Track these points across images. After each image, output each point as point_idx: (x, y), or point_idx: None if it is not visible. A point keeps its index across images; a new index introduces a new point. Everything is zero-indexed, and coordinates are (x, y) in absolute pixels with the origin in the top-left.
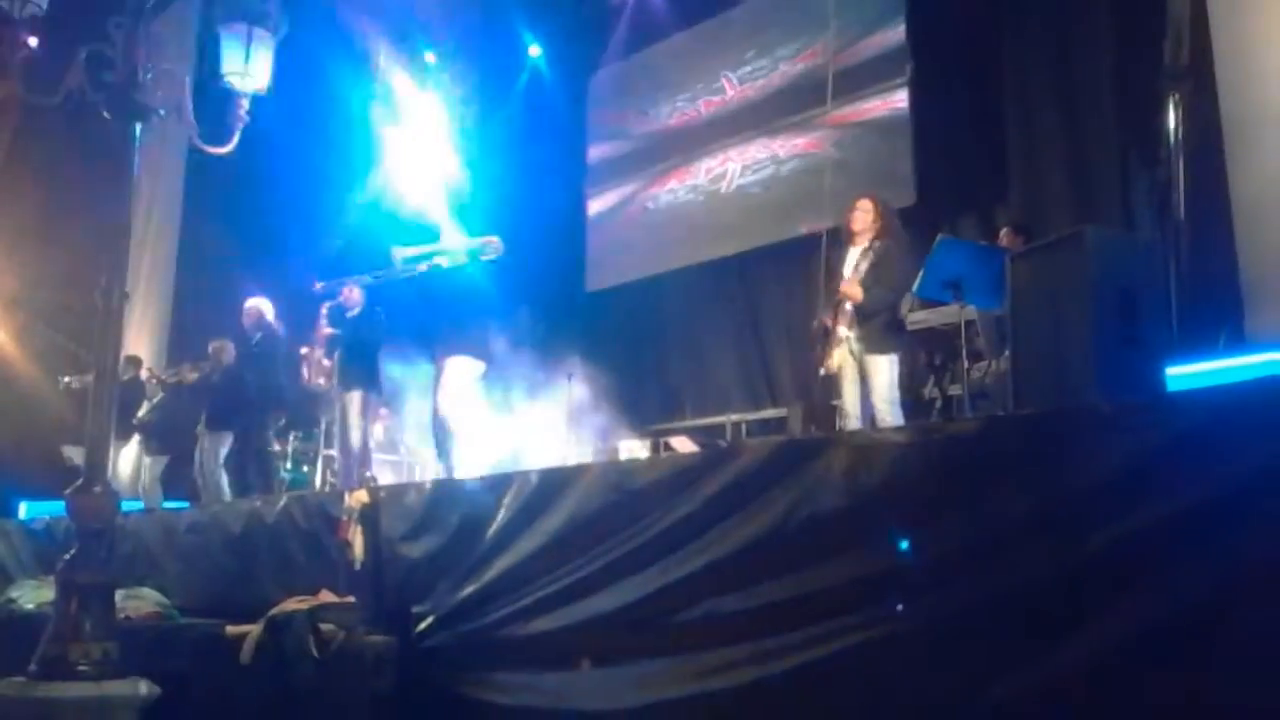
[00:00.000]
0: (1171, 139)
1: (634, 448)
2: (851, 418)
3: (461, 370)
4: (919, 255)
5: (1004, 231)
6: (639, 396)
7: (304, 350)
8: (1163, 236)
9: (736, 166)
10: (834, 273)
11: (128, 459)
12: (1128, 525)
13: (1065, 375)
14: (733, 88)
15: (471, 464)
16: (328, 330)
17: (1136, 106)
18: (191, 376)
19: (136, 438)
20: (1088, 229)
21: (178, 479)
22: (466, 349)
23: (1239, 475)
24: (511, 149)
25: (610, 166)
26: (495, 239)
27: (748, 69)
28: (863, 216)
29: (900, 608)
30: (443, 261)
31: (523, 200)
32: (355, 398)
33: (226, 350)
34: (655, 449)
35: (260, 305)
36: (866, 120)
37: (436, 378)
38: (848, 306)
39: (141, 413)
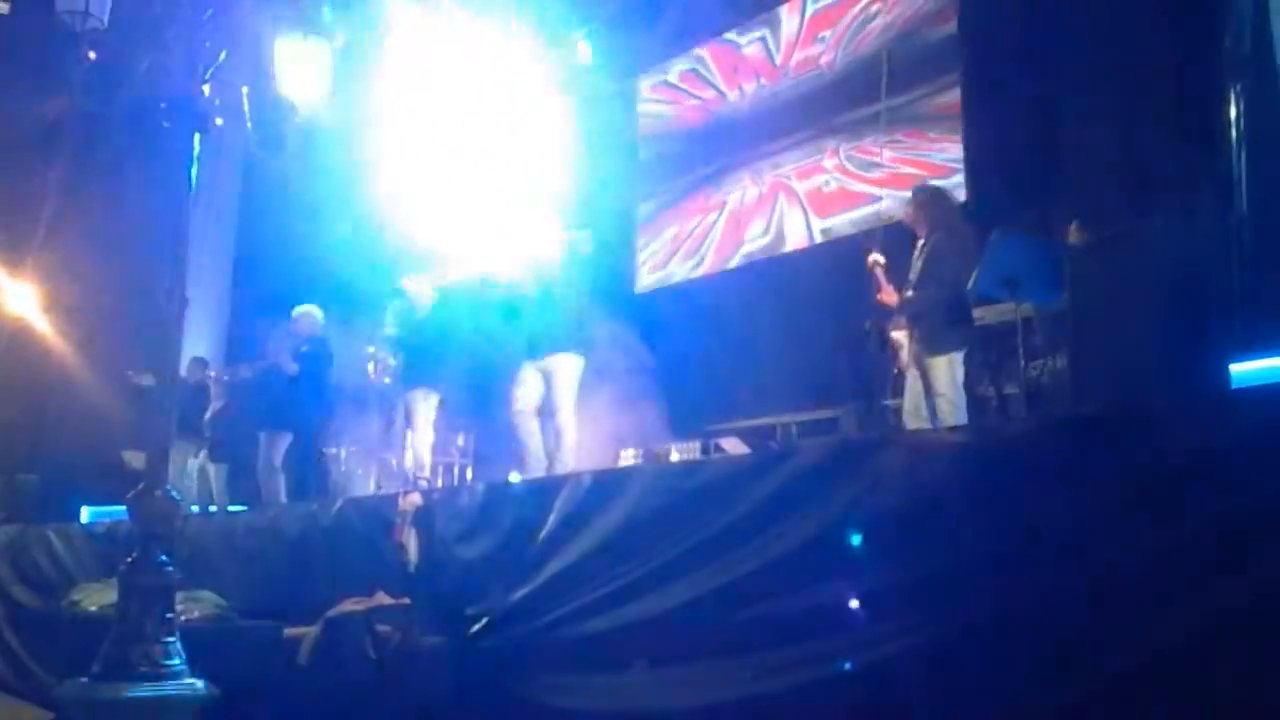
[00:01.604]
0: (1234, 130)
1: (685, 449)
2: (915, 419)
3: (575, 367)
4: (973, 250)
5: None
6: (689, 398)
7: (370, 349)
8: (1225, 230)
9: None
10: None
11: (196, 464)
12: (1191, 524)
13: (1128, 372)
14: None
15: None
16: (391, 330)
17: (1195, 98)
18: (247, 375)
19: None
20: (1150, 223)
21: (239, 484)
22: (569, 347)
23: None
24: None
25: (658, 167)
26: None
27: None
28: (909, 212)
29: (959, 606)
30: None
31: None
32: (415, 398)
33: (279, 352)
34: (706, 450)
35: (310, 312)
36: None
37: (542, 378)
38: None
39: (207, 417)
